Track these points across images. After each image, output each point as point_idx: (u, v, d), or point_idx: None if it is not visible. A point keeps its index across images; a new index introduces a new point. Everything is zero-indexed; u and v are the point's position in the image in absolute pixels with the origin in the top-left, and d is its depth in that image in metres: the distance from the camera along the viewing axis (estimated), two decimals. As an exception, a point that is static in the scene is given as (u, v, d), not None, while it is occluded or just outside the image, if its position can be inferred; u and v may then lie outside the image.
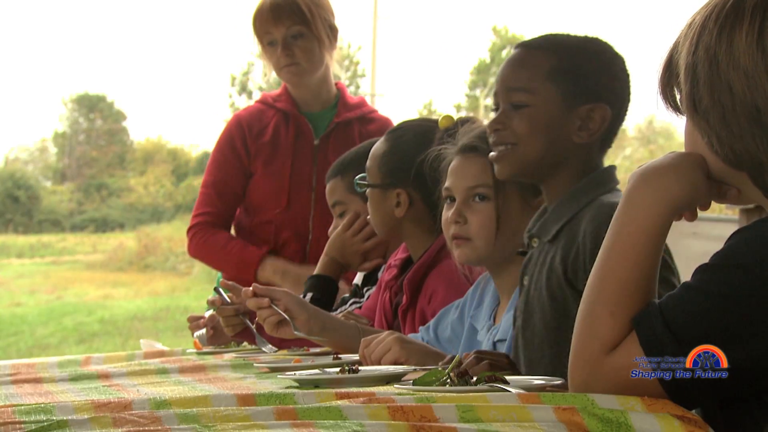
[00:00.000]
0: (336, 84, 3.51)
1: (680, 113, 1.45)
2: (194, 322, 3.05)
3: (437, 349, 2.26)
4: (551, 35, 2.06)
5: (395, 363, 2.10)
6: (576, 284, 1.89)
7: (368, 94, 27.40)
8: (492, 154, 2.04)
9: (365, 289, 2.97)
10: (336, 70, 3.48)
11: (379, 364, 2.11)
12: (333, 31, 3.40)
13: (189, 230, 3.48)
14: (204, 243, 3.43)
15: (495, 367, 1.78)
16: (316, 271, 3.01)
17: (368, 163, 2.70)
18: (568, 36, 2.06)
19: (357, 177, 2.74)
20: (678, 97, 1.45)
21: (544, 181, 2.04)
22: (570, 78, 1.99)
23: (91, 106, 36.03)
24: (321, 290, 2.92)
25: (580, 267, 1.89)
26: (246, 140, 3.45)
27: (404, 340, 2.17)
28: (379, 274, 2.94)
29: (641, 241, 1.40)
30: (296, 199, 3.40)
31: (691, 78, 1.39)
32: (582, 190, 1.99)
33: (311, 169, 3.41)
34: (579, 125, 1.99)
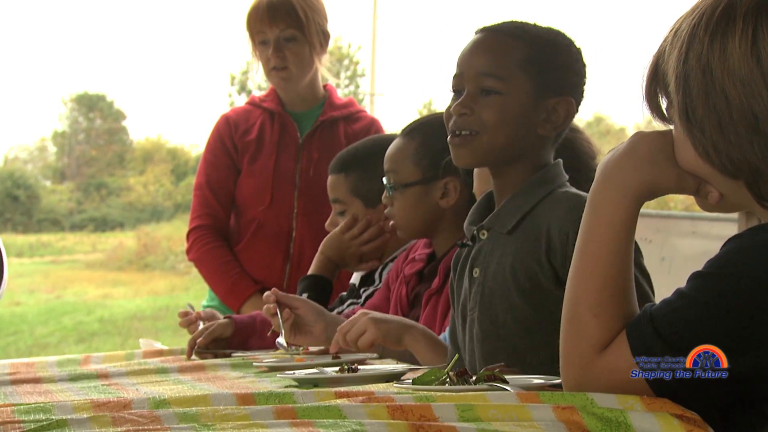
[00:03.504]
0: (325, 86, 3.51)
1: (667, 122, 1.45)
2: (185, 317, 3.05)
3: (412, 322, 2.27)
4: (519, 23, 2.06)
5: (373, 343, 2.11)
6: (561, 276, 1.89)
7: (368, 93, 27.40)
8: (453, 139, 2.01)
9: (362, 290, 2.97)
10: (325, 74, 3.48)
11: (357, 346, 2.12)
12: (325, 37, 3.41)
13: (189, 234, 3.47)
14: (203, 255, 3.42)
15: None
16: (311, 271, 3.00)
17: (393, 165, 2.62)
18: (536, 26, 2.05)
19: (387, 184, 2.62)
20: (664, 105, 1.44)
21: (498, 170, 2.03)
22: (542, 69, 1.99)
23: (90, 105, 35.99)
24: (316, 290, 2.92)
25: (559, 261, 1.90)
26: (233, 138, 3.46)
27: (378, 320, 2.18)
28: (376, 275, 2.95)
29: (611, 239, 1.41)
30: (279, 196, 3.40)
31: (683, 88, 1.37)
32: (537, 183, 2.00)
33: (295, 167, 3.41)
34: (544, 118, 1.99)
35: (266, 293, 2.43)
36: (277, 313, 2.39)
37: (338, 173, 2.96)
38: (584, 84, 2.06)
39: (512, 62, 1.98)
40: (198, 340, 2.70)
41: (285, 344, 2.41)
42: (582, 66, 2.05)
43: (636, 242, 1.84)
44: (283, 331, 2.39)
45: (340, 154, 3.03)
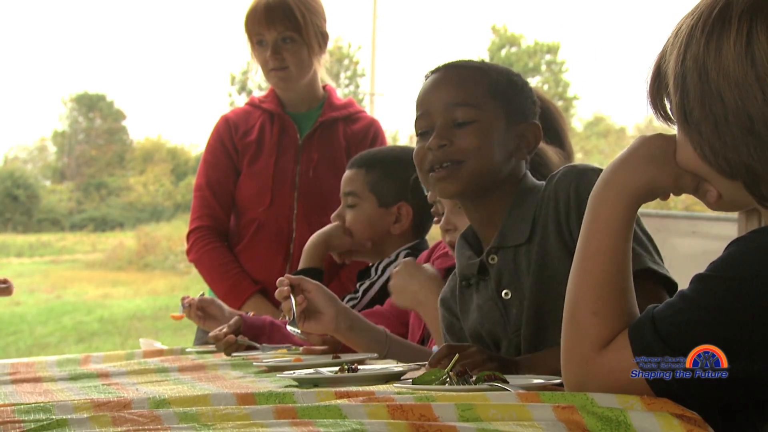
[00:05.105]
0: (325, 87, 3.51)
1: (671, 122, 1.44)
2: (187, 299, 3.07)
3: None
4: (473, 60, 2.05)
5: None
6: None
7: (368, 93, 27.42)
8: (435, 174, 1.96)
9: (359, 284, 2.98)
10: (323, 75, 3.48)
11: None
12: (323, 38, 3.42)
13: (189, 235, 3.48)
14: (203, 256, 3.43)
15: (464, 358, 1.76)
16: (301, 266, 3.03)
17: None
18: (489, 63, 2.07)
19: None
20: (668, 106, 1.44)
21: (480, 201, 2.00)
22: (508, 96, 1.99)
23: (90, 105, 36.00)
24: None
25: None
26: (234, 139, 3.46)
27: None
28: (373, 269, 2.95)
29: (609, 238, 1.42)
30: (279, 197, 3.40)
31: (680, 89, 1.37)
32: (524, 193, 1.98)
33: (294, 168, 3.42)
34: (517, 143, 1.99)
35: (280, 278, 2.42)
36: (290, 297, 2.36)
37: (358, 168, 2.98)
38: (536, 112, 2.05)
39: (481, 90, 1.97)
40: (224, 332, 2.71)
41: (297, 330, 2.38)
42: (536, 99, 2.06)
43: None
44: (294, 316, 2.36)
45: (363, 152, 3.06)
